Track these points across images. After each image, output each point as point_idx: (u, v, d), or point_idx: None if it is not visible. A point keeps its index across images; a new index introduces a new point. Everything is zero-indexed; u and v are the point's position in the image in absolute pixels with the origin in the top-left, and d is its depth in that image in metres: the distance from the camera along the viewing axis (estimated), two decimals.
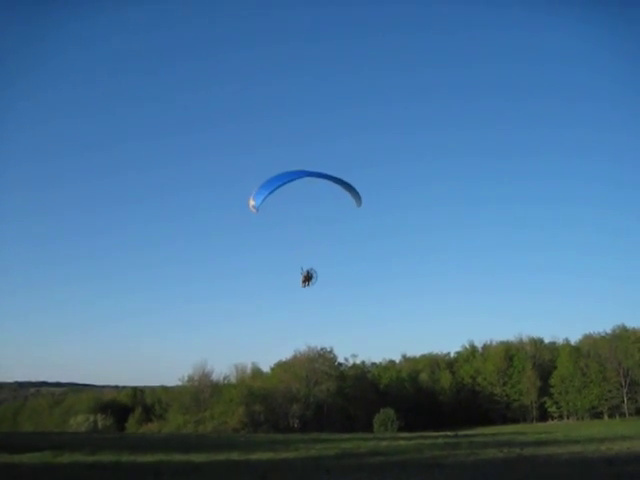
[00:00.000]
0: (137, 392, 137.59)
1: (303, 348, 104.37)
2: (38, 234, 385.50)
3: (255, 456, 27.18)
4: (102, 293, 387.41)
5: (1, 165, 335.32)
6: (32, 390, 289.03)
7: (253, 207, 24.98)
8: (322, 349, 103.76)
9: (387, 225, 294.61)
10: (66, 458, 25.53)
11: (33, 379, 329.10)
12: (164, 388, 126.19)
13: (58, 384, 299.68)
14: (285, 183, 24.94)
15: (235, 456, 27.01)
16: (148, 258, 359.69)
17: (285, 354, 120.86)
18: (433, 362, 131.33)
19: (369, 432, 77.38)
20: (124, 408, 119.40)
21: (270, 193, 24.66)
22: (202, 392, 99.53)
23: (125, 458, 25.45)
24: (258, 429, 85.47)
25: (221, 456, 26.90)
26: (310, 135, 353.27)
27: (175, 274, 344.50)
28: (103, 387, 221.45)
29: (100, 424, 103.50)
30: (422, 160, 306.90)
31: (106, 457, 25.72)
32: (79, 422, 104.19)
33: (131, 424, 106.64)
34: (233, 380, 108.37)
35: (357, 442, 38.76)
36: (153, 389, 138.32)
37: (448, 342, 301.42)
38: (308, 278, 27.77)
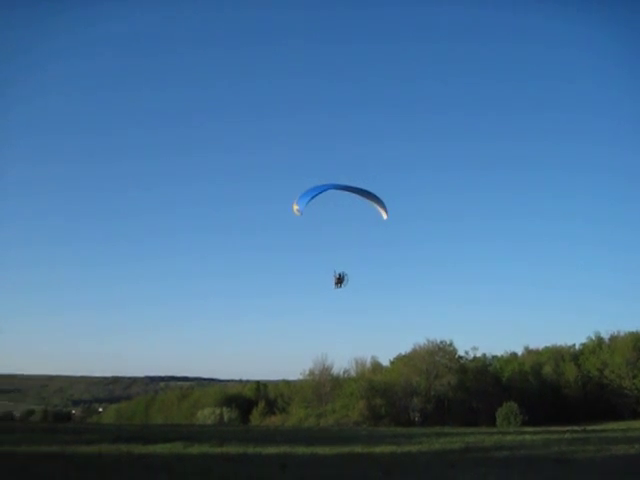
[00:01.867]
0: (260, 386, 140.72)
1: (423, 341, 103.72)
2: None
3: (378, 449, 27.11)
4: (227, 293, 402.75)
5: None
6: (161, 384, 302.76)
7: (297, 211, 28.00)
8: (442, 342, 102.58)
9: (518, 219, 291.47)
10: (196, 449, 26.36)
11: (162, 374, 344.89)
12: (286, 382, 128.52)
13: (185, 378, 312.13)
14: (322, 192, 28.20)
15: (358, 449, 27.01)
16: (272, 258, 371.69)
17: (404, 348, 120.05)
18: (557, 354, 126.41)
19: (492, 426, 75.78)
20: (248, 401, 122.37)
21: (311, 199, 27.83)
22: (323, 386, 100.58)
23: (251, 450, 25.99)
24: (379, 422, 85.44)
25: (345, 449, 26.99)
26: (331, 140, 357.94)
27: (296, 271, 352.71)
28: (227, 381, 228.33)
29: (226, 417, 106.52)
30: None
31: (233, 449, 26.37)
32: (206, 415, 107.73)
33: (255, 417, 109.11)
34: (353, 374, 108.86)
35: (481, 436, 37.99)
36: (275, 383, 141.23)
37: (572, 333, 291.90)
38: (340, 280, 30.01)
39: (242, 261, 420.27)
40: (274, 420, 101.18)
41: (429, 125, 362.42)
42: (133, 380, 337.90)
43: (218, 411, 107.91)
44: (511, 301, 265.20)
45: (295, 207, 28.14)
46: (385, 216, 30.88)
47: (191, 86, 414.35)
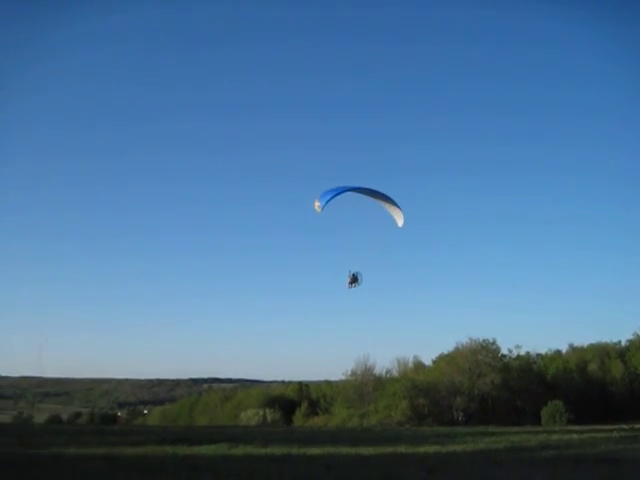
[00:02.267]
0: (303, 387, 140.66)
1: (465, 340, 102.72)
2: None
3: (422, 449, 27.01)
4: (269, 294, 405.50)
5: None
6: (205, 386, 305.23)
7: (318, 207, 28.80)
8: (485, 341, 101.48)
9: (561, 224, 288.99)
10: (240, 450, 26.50)
11: (206, 376, 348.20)
12: (328, 383, 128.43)
13: (229, 380, 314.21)
14: (344, 192, 29.12)
15: (402, 449, 26.92)
16: (312, 258, 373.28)
17: (447, 347, 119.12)
18: (602, 351, 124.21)
19: (537, 425, 74.80)
20: (291, 402, 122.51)
21: (332, 198, 28.65)
22: (365, 386, 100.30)
23: (295, 450, 26.03)
24: (422, 422, 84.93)
25: (389, 449, 26.92)
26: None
27: (337, 271, 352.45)
28: (270, 382, 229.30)
29: (269, 418, 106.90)
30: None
31: (277, 449, 26.45)
32: (249, 416, 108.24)
33: (298, 418, 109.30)
34: (395, 374, 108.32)
35: (526, 435, 37.64)
36: (318, 384, 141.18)
37: (618, 330, 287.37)
38: (354, 280, 30.36)
39: (282, 262, 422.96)
40: (317, 421, 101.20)
41: (431, 126, 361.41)
42: (177, 382, 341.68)
43: (261, 412, 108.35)
44: (554, 299, 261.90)
45: (317, 204, 28.96)
46: (400, 223, 31.40)
47: (193, 84, 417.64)
